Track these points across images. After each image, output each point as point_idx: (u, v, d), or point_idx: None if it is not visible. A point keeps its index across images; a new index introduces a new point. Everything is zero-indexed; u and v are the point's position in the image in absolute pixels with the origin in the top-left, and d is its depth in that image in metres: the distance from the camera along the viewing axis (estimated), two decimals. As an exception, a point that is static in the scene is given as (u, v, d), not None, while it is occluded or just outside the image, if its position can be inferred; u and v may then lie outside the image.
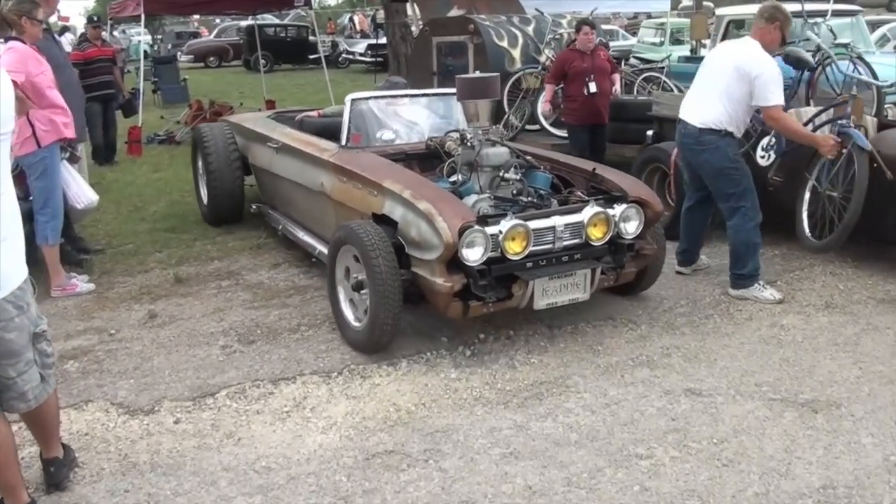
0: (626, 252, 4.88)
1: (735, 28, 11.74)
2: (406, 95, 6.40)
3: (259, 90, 16.16)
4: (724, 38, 11.57)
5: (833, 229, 5.42)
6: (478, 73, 5.50)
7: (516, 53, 9.94)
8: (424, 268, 4.48)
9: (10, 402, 3.10)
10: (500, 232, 4.39)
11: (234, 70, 28.96)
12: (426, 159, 5.65)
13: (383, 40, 20.71)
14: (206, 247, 6.92)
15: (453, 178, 5.18)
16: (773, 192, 5.96)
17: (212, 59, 32.01)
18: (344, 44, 31.20)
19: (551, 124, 9.00)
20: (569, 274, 4.61)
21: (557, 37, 10.03)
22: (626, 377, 4.35)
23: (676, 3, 23.65)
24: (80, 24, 28.16)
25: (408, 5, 18.14)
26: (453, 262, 4.39)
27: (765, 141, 5.84)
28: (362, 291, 4.59)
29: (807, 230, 5.66)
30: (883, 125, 6.11)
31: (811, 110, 6.10)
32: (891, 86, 7.99)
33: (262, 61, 19.17)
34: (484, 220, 4.43)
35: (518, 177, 5.04)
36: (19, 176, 5.62)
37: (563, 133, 8.75)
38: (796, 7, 9.44)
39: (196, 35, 37.79)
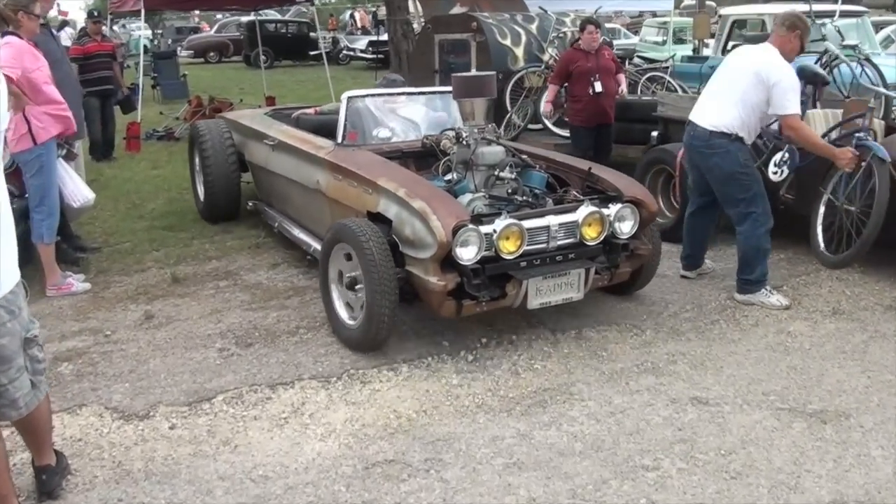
0: (621, 252, 4.87)
1: (738, 28, 11.68)
2: (403, 93, 6.38)
3: (259, 86, 16.07)
4: (728, 37, 11.52)
5: (850, 244, 5.32)
6: (474, 72, 5.43)
7: (519, 52, 9.84)
8: (418, 266, 4.47)
9: (1, 409, 3.02)
10: (495, 231, 4.38)
11: (235, 66, 28.83)
12: (422, 157, 5.64)
13: (384, 37, 20.64)
14: (204, 246, 6.83)
15: (448, 177, 5.16)
16: (785, 210, 5.88)
17: (212, 54, 31.85)
18: (345, 40, 31.10)
19: (554, 123, 8.91)
20: (563, 273, 4.61)
21: (561, 35, 9.93)
22: (631, 384, 4.27)
23: (679, 2, 23.57)
24: (80, 18, 28.05)
25: (409, 2, 18.06)
26: (447, 261, 4.38)
27: (777, 156, 5.71)
28: (357, 287, 4.56)
29: (822, 245, 5.52)
30: (891, 129, 6.02)
31: (819, 113, 6.01)
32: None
33: (262, 57, 19.07)
34: (478, 219, 4.42)
35: (513, 176, 5.01)
36: (15, 172, 5.55)
37: (566, 133, 8.67)
38: (804, 7, 9.39)
39: (197, 30, 37.64)
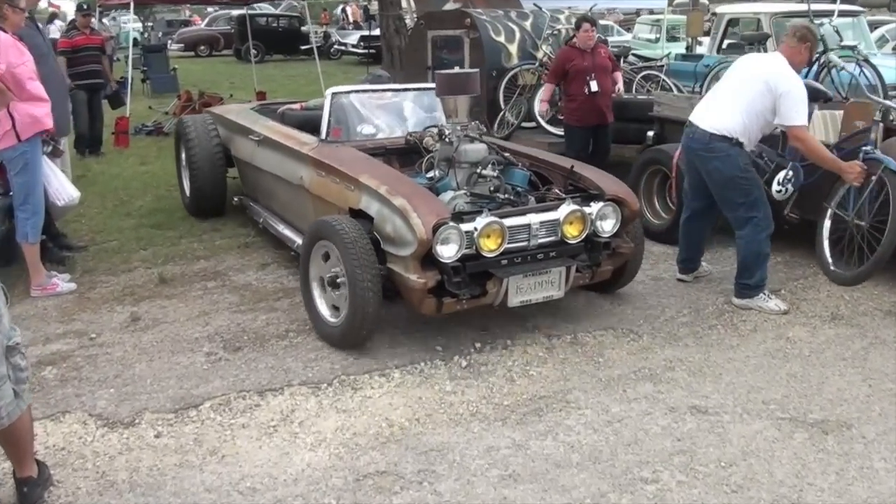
0: (603, 250, 4.88)
1: (731, 27, 11.60)
2: (388, 90, 6.39)
3: (250, 81, 15.92)
4: (723, 36, 11.45)
5: (862, 259, 5.22)
6: (457, 69, 5.45)
7: (513, 49, 9.73)
8: (399, 264, 4.47)
9: (-19, 420, 2.91)
10: (475, 229, 4.38)
11: (225, 60, 28.62)
12: (406, 154, 5.65)
13: (376, 32, 20.46)
14: (193, 245, 6.71)
15: (431, 174, 5.14)
16: (790, 228, 5.81)
17: (202, 48, 31.62)
18: (336, 35, 30.89)
19: (548, 122, 8.81)
20: (543, 272, 4.62)
21: (555, 32, 9.82)
22: (628, 392, 4.18)
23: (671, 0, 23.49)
24: (71, 11, 27.76)
25: (402, -3, 17.90)
26: (428, 259, 4.37)
27: (781, 175, 5.63)
28: (339, 281, 4.53)
29: (831, 262, 5.42)
30: (889, 131, 5.93)
31: (817, 114, 5.92)
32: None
33: (253, 51, 18.90)
34: (459, 216, 4.41)
35: (495, 174, 5.02)
36: (-1, 170, 5.43)
37: (561, 131, 8.56)
38: (802, 7, 9.33)
39: (188, 23, 37.37)
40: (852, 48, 7.88)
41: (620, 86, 8.08)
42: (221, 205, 7.38)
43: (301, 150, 5.59)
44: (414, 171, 5.31)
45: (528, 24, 10.09)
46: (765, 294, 5.25)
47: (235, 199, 7.14)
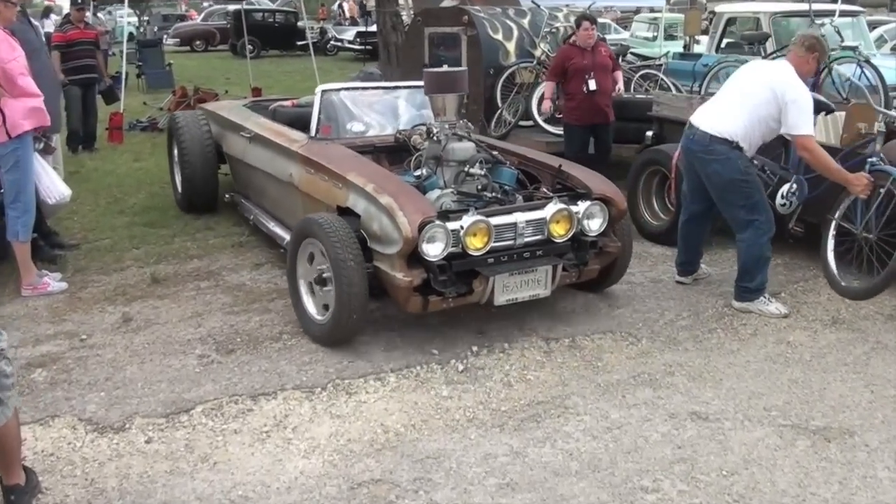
0: (590, 249, 4.89)
1: (729, 26, 11.54)
2: (378, 87, 6.40)
3: (245, 76, 15.80)
4: (722, 35, 11.38)
5: (871, 273, 5.13)
6: (446, 68, 5.44)
7: (511, 47, 9.64)
8: (385, 262, 4.48)
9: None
10: (462, 227, 4.39)
11: (221, 55, 28.42)
12: (395, 152, 5.67)
13: (373, 28, 20.35)
14: (186, 244, 6.62)
15: (418, 173, 5.13)
16: (795, 242, 5.73)
17: (198, 43, 31.39)
18: (333, 31, 30.73)
19: (545, 121, 8.73)
20: (530, 270, 4.62)
21: (553, 30, 9.75)
22: (627, 398, 4.11)
23: (669, -2, 23.42)
24: (66, 5, 27.61)
25: (399, -7, 17.79)
26: (414, 257, 4.38)
27: (784, 188, 5.55)
28: (325, 276, 4.52)
29: (837, 275, 5.27)
30: (891, 132, 5.86)
31: (818, 118, 5.85)
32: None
33: (248, 47, 18.77)
34: (445, 215, 4.41)
35: (483, 172, 5.01)
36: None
37: (558, 130, 8.49)
38: (802, 6, 9.26)
39: (184, 18, 37.19)
40: (853, 49, 7.81)
41: (621, 85, 7.99)
42: (213, 201, 7.34)
43: (291, 148, 5.60)
44: (403, 169, 5.33)
45: (526, 21, 9.99)
46: (765, 297, 5.19)
47: (227, 195, 7.13)
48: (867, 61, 7.68)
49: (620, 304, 5.32)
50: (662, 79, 9.55)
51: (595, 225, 4.85)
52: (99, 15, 20.92)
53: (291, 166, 5.56)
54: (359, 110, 6.04)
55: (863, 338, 4.86)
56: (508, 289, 4.57)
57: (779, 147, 5.68)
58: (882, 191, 5.02)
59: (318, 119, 5.69)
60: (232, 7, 27.78)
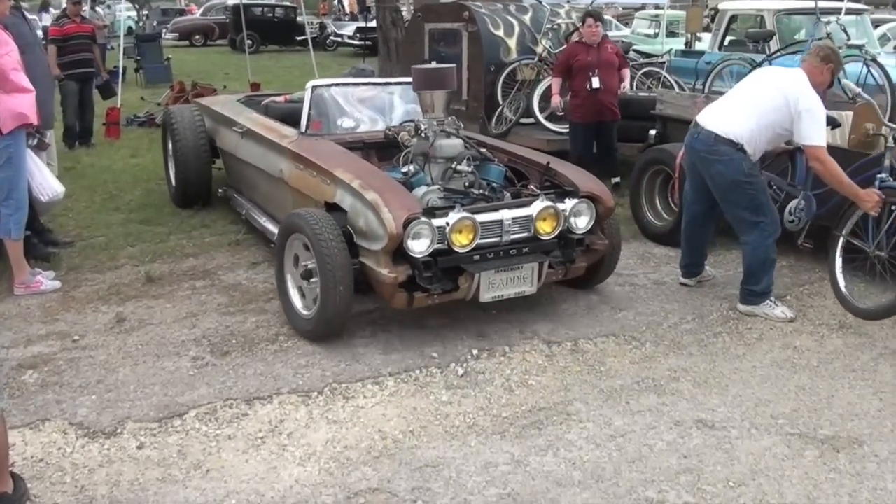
0: (576, 247, 4.90)
1: (732, 23, 11.43)
2: (369, 83, 6.44)
3: (244, 71, 15.70)
4: (725, 33, 11.28)
5: (885, 291, 5.03)
6: (434, 64, 5.49)
7: (512, 43, 9.54)
8: (370, 258, 4.48)
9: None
10: (447, 224, 4.39)
11: (220, 50, 28.32)
12: (384, 149, 5.66)
13: (373, 23, 20.22)
14: (182, 242, 6.52)
15: (406, 169, 5.12)
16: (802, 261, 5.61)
17: (197, 37, 31.30)
18: (332, 26, 30.60)
19: (546, 118, 8.64)
20: (515, 267, 4.62)
21: (555, 27, 9.65)
22: (631, 404, 4.02)
23: (671, -6, 23.30)
24: (63, -2, 27.45)
25: (399, -11, 17.66)
26: (399, 253, 4.38)
27: (792, 204, 5.45)
28: (311, 279, 4.53)
29: (847, 293, 5.08)
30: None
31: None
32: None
33: (247, 42, 18.66)
34: (431, 211, 4.42)
35: (470, 169, 4.99)
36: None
37: (559, 128, 8.40)
38: (806, 4, 9.15)
39: (183, 12, 37.05)
40: (859, 47, 7.70)
41: (627, 83, 7.86)
42: (207, 195, 7.31)
43: (281, 143, 5.61)
44: (392, 165, 5.33)
45: (527, 18, 9.89)
46: (771, 301, 5.09)
47: (220, 190, 7.14)
48: (874, 60, 7.58)
49: (623, 307, 5.23)
50: (665, 76, 9.45)
51: (582, 223, 4.86)
52: (97, 9, 20.78)
53: (282, 161, 5.57)
54: (349, 106, 6.06)
55: (870, 343, 4.77)
56: (494, 286, 4.56)
57: (785, 162, 5.59)
58: (894, 208, 4.88)
59: (309, 115, 5.71)
60: (231, 2, 27.65)
